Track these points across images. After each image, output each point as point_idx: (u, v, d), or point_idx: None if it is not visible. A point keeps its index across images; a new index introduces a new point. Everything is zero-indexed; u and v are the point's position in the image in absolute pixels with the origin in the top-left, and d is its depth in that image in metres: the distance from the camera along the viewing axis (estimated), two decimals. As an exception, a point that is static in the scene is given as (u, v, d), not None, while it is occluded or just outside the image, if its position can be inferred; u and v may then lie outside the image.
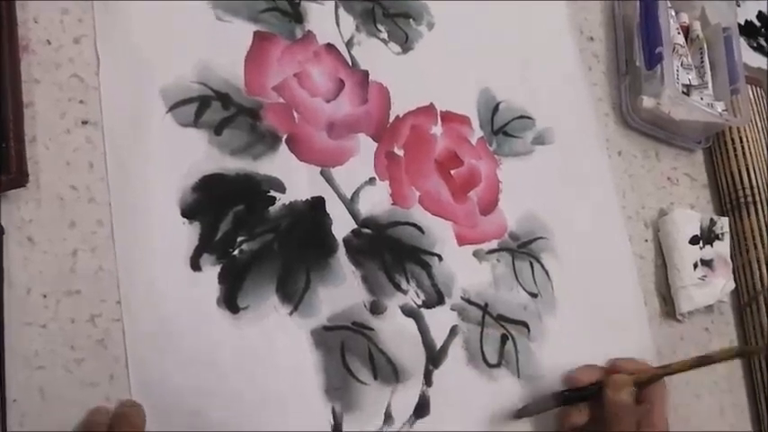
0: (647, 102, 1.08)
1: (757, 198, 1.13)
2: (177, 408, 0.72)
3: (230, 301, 0.76)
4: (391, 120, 0.91)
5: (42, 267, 0.71)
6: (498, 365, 0.88)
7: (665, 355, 1.02)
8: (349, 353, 0.81)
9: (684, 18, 1.16)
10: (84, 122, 0.77)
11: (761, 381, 1.08)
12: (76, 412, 0.69)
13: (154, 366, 0.73)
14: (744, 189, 1.13)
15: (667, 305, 1.05)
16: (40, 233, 0.72)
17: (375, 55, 0.93)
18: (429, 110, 0.94)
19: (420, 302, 0.86)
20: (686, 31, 1.15)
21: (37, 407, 0.68)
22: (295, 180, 0.83)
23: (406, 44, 0.96)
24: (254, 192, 0.81)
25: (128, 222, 0.75)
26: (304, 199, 0.83)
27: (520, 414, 0.86)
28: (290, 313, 0.79)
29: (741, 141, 1.16)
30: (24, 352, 0.69)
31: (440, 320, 0.87)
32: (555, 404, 0.86)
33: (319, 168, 0.85)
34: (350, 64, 0.91)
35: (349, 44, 0.92)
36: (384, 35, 0.94)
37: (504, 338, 0.90)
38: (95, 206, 0.75)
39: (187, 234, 0.77)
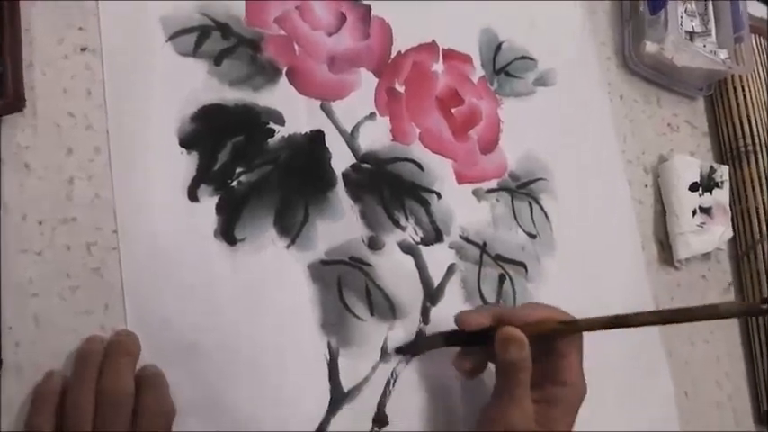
0: (650, 47, 1.07)
1: (758, 147, 1.13)
2: (172, 338, 0.72)
3: (227, 233, 0.76)
4: (393, 55, 0.90)
5: (38, 194, 0.71)
6: (496, 305, 0.87)
7: (663, 301, 1.02)
8: (346, 288, 0.80)
9: (689, -36, 1.14)
10: (83, 49, 0.76)
11: (756, 330, 1.08)
12: (71, 340, 0.69)
13: (149, 296, 0.72)
14: (744, 138, 1.13)
15: (665, 251, 1.05)
16: (36, 160, 0.71)
17: (377, -10, 0.92)
18: (431, 47, 0.93)
19: (418, 239, 0.85)
20: (691, -23, 1.14)
21: (31, 334, 0.68)
22: (295, 113, 0.82)
23: (408, -20, 0.94)
24: (253, 123, 0.80)
25: (125, 151, 0.74)
26: (303, 132, 0.82)
27: (401, 350, 0.82)
28: (288, 246, 0.78)
29: (743, 90, 1.15)
30: (19, 279, 0.68)
31: (438, 258, 0.86)
32: (440, 344, 0.80)
33: (319, 102, 0.84)
34: (352, -2, 0.90)
35: (351, -22, 0.90)
36: (386, -30, 0.93)
37: (501, 278, 0.89)
38: (93, 134, 0.74)
39: (185, 164, 0.76)
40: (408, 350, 0.82)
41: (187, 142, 0.76)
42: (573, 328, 0.74)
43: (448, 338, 0.80)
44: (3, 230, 0.68)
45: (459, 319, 0.77)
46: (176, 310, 0.73)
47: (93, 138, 0.74)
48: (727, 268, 1.12)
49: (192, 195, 0.75)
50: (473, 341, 0.77)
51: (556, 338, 0.75)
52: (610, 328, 0.73)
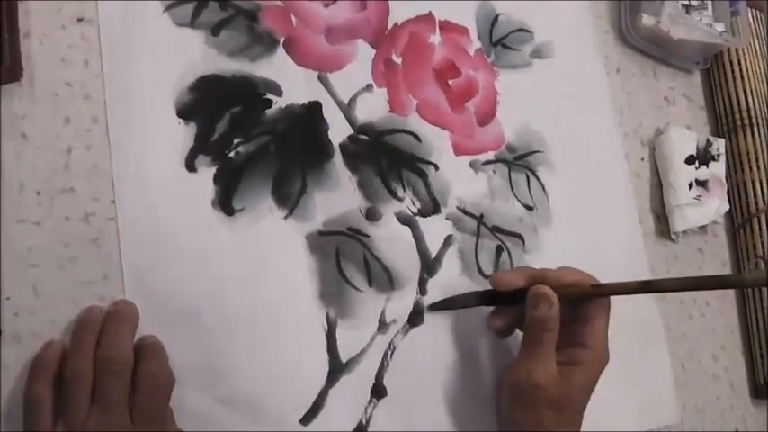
0: (647, 20, 1.07)
1: (754, 121, 1.13)
2: (170, 308, 0.72)
3: (225, 203, 0.76)
4: (390, 27, 0.90)
5: (36, 164, 0.70)
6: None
7: (659, 273, 1.03)
8: (344, 258, 0.80)
9: (686, -64, 1.14)
10: (80, 19, 0.76)
11: (752, 303, 1.09)
12: (70, 310, 0.69)
13: (148, 266, 0.72)
14: (741, 111, 1.13)
15: (661, 224, 1.05)
16: (33, 129, 0.71)
17: (374, -39, 0.91)
18: (428, 19, 0.93)
19: (415, 210, 0.85)
20: (688, -51, 1.14)
21: (30, 304, 0.68)
22: (292, 84, 0.82)
23: (405, -48, 0.94)
24: (251, 94, 0.80)
25: (123, 121, 0.74)
26: (301, 103, 0.82)
27: (435, 306, 0.84)
28: (286, 217, 0.78)
29: (739, 64, 1.15)
30: (17, 249, 0.68)
31: (435, 229, 0.87)
32: (474, 303, 0.83)
33: (317, 73, 0.84)
34: (348, -31, 0.90)
35: (348, -50, 0.90)
36: (383, -59, 0.93)
37: (499, 250, 0.89)
38: (90, 103, 0.74)
39: (183, 134, 0.76)
40: (442, 307, 0.84)
41: (185, 113, 0.76)
42: (603, 291, 0.77)
43: (481, 297, 0.82)
44: (1, 200, 0.68)
45: (493, 279, 0.80)
46: (174, 280, 0.73)
47: (91, 107, 0.73)
48: (724, 242, 1.13)
49: (190, 166, 0.75)
50: (506, 301, 0.80)
51: (585, 302, 0.78)
52: (638, 292, 0.76)
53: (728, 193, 1.10)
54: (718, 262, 1.10)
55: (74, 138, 0.72)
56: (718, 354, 1.07)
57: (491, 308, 0.83)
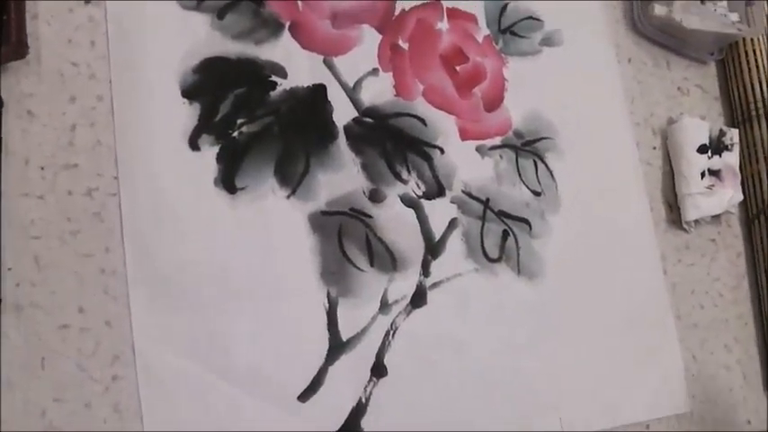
0: (659, 9, 1.06)
1: (769, 111, 1.12)
2: (171, 282, 0.73)
3: (228, 181, 0.77)
4: (396, 13, 0.90)
5: (41, 140, 0.72)
6: (499, 260, 0.88)
7: (671, 262, 1.02)
8: (346, 238, 0.81)
9: (700, -74, 1.14)
10: (88, 1, 0.77)
11: (767, 294, 1.08)
12: (71, 282, 0.71)
13: (149, 241, 0.73)
14: (756, 102, 1.12)
15: (673, 213, 1.05)
16: (39, 107, 0.73)
17: (382, -53, 0.92)
18: (435, 5, 0.93)
19: (420, 193, 0.86)
20: (702, -61, 1.13)
21: (31, 275, 0.69)
22: (297, 67, 0.83)
23: (414, -62, 0.95)
24: (255, 76, 0.81)
25: (128, 99, 0.75)
26: (305, 85, 0.83)
27: None
28: (288, 196, 0.79)
29: (754, 54, 1.14)
30: (21, 221, 0.70)
31: (439, 212, 0.87)
32: None
33: (322, 57, 0.85)
34: (356, -45, 0.90)
35: (356, -64, 0.91)
36: (392, -73, 0.93)
37: (505, 234, 0.90)
38: (96, 82, 0.75)
39: (187, 114, 0.77)
40: None
41: (189, 93, 0.78)
42: None
43: None
44: (5, 174, 0.69)
45: None
46: (176, 255, 0.74)
47: (96, 86, 0.75)
48: (739, 232, 1.12)
49: (194, 144, 0.77)
50: None
51: None
52: None
53: (742, 184, 1.09)
54: (732, 252, 1.09)
55: (79, 115, 0.74)
56: (732, 345, 1.06)
57: (495, 288, 0.85)
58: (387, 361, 0.80)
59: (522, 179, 0.92)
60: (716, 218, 1.08)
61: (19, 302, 0.68)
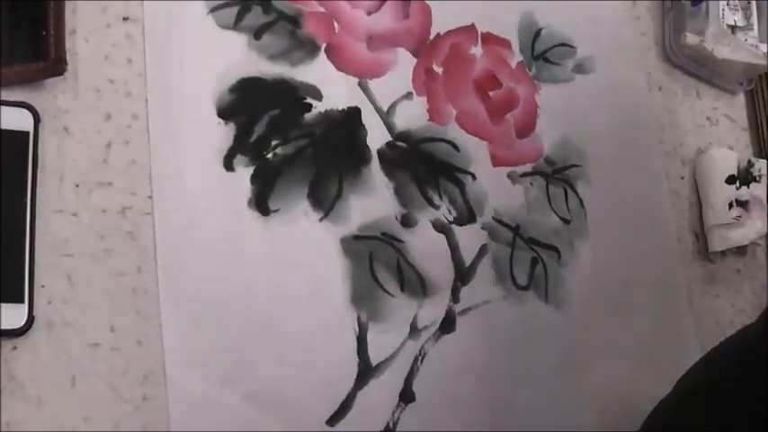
0: (691, 38, 1.06)
1: (798, 144, 1.12)
2: (202, 303, 0.73)
3: (261, 203, 0.77)
4: (431, 37, 0.90)
5: (76, 157, 0.72)
6: (527, 288, 0.87)
7: (696, 293, 1.02)
8: (377, 263, 0.81)
9: (733, -43, 1.14)
10: (125, 18, 0.77)
11: None
12: (103, 300, 0.70)
13: (182, 261, 0.73)
14: (784, 133, 1.12)
15: (700, 243, 1.04)
16: (75, 123, 0.73)
17: (418, -28, 0.92)
18: (470, 30, 0.93)
19: (451, 219, 0.85)
20: (734, -30, 1.13)
21: (64, 293, 0.69)
22: (332, 89, 0.83)
23: (449, -37, 0.94)
24: (290, 97, 0.81)
25: (163, 118, 0.75)
26: (340, 108, 0.83)
27: None
28: (321, 219, 0.79)
29: (784, 85, 1.14)
30: (54, 239, 0.70)
31: (470, 238, 0.87)
32: None
33: (357, 79, 0.85)
34: (393, -21, 0.90)
35: (393, -40, 0.91)
36: (428, -47, 0.93)
37: (534, 261, 0.89)
38: (132, 100, 0.75)
39: (222, 134, 0.77)
40: None
41: (225, 113, 0.78)
42: None
43: None
44: (40, 191, 0.69)
45: None
46: (208, 276, 0.74)
47: (132, 104, 0.75)
48: (764, 264, 1.11)
49: (228, 165, 0.76)
50: None
51: None
52: None
53: (769, 215, 1.08)
54: (757, 284, 1.09)
55: (114, 133, 0.74)
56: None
57: (523, 315, 0.85)
58: (415, 386, 0.80)
59: (552, 206, 0.92)
60: (741, 249, 1.07)
61: (51, 320, 0.68)
